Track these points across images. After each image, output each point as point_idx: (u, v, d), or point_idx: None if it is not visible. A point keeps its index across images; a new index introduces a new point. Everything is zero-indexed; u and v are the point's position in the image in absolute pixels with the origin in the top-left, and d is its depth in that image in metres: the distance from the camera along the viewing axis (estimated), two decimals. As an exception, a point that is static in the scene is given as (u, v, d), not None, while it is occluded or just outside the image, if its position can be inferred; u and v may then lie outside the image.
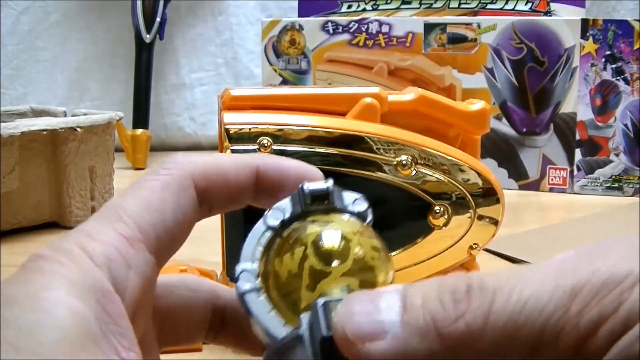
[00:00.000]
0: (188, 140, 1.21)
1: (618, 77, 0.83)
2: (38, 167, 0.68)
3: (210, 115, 1.21)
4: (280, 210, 0.24)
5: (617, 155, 0.84)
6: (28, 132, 0.64)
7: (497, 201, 0.44)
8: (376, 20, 0.91)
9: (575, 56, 0.84)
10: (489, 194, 0.44)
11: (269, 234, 0.24)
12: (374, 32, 0.91)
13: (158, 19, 1.06)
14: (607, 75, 0.84)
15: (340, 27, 0.93)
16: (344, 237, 0.23)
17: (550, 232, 0.68)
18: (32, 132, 0.64)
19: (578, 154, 0.86)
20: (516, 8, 0.93)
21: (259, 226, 0.24)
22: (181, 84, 1.21)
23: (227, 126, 0.40)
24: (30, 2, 1.16)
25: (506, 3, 0.93)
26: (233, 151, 0.40)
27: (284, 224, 0.24)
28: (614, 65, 0.83)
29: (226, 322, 0.25)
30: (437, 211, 0.43)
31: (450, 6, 0.95)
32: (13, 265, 0.59)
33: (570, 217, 0.77)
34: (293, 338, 0.21)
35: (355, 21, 0.92)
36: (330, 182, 0.24)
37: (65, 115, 0.77)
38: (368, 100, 0.43)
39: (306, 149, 0.41)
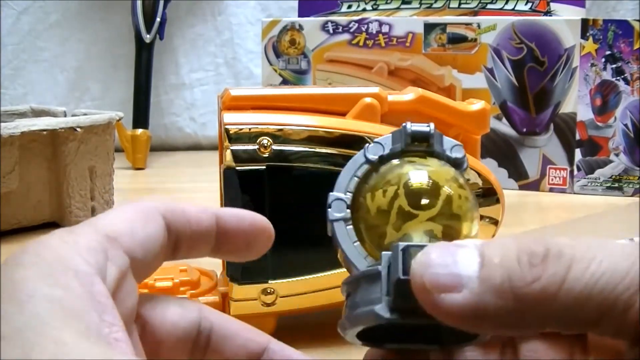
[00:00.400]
0: (188, 140, 1.21)
1: (618, 77, 0.83)
2: (38, 167, 0.68)
3: (210, 115, 1.21)
4: (381, 144, 0.25)
5: (617, 155, 0.84)
6: (28, 132, 0.64)
7: (497, 201, 0.44)
8: (376, 20, 0.91)
9: (575, 56, 0.84)
10: (489, 194, 0.44)
11: (366, 166, 0.25)
12: (374, 32, 0.91)
13: (158, 19, 1.06)
14: (607, 75, 0.84)
15: (340, 27, 0.93)
16: (435, 183, 0.24)
17: (550, 232, 0.68)
18: (32, 132, 0.64)
19: (578, 154, 0.86)
20: (516, 8, 0.93)
21: (358, 157, 0.26)
22: (181, 84, 1.21)
23: (227, 126, 0.40)
24: (30, 2, 1.16)
25: (506, 3, 0.93)
26: (233, 151, 0.40)
27: (382, 159, 0.25)
28: (614, 65, 0.83)
29: (211, 342, 0.25)
30: None
31: (450, 6, 0.95)
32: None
33: (570, 217, 0.77)
34: (372, 273, 0.22)
35: (355, 21, 0.92)
36: (432, 126, 0.25)
37: (65, 115, 0.77)
38: (368, 100, 0.43)
39: (306, 149, 0.41)
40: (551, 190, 0.87)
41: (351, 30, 0.92)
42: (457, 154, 0.26)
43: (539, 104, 0.87)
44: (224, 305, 0.43)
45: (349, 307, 0.23)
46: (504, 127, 0.88)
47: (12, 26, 1.16)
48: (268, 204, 0.40)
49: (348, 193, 0.25)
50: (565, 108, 0.86)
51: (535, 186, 0.88)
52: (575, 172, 0.86)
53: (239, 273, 0.41)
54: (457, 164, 0.26)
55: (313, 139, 0.41)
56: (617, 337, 0.19)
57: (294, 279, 0.41)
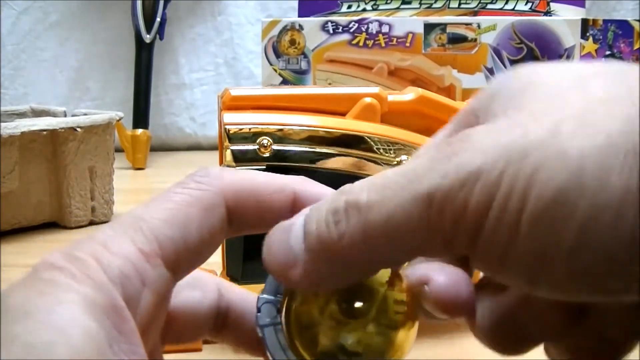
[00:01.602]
0: (188, 140, 1.21)
1: (618, 77, 0.83)
2: (38, 167, 0.68)
3: (210, 115, 1.21)
4: None
5: (617, 155, 0.84)
6: (28, 132, 0.64)
7: None
8: (376, 20, 0.91)
9: (575, 56, 0.84)
10: None
11: None
12: (374, 32, 0.91)
13: (158, 19, 1.06)
14: (607, 75, 0.84)
15: (340, 27, 0.93)
16: (370, 288, 0.23)
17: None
18: (32, 132, 0.64)
19: (578, 154, 0.85)
20: (516, 8, 0.93)
21: None
22: (181, 84, 1.21)
23: (227, 126, 0.40)
24: (30, 2, 1.16)
25: (506, 3, 0.93)
26: (233, 151, 0.40)
27: None
28: (614, 65, 0.83)
29: (228, 319, 0.25)
30: None
31: (450, 6, 0.95)
32: (13, 265, 0.59)
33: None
34: None
35: (355, 21, 0.92)
36: None
37: (65, 115, 0.77)
38: (368, 100, 0.43)
39: (306, 149, 0.41)
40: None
41: (351, 30, 0.92)
42: None
43: (539, 104, 0.87)
44: None
45: None
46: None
47: (12, 26, 1.16)
48: None
49: (279, 295, 0.23)
50: (565, 108, 0.85)
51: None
52: (575, 172, 0.86)
53: (239, 273, 0.41)
54: None
55: (313, 138, 0.41)
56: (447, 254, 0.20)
57: None
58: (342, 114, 0.43)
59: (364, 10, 0.98)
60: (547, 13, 0.92)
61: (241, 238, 0.40)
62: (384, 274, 0.23)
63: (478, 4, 0.94)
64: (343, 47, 0.93)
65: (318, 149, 0.41)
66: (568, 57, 0.84)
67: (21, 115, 0.80)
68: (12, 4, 1.16)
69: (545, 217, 0.17)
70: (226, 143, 0.40)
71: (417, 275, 0.22)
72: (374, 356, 0.22)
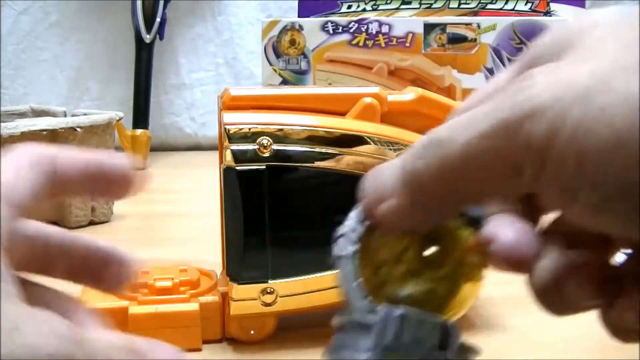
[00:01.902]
0: (188, 140, 1.21)
1: (618, 77, 0.84)
2: (38, 167, 0.68)
3: (210, 115, 1.21)
4: None
5: (617, 155, 0.84)
6: (28, 132, 0.64)
7: None
8: (376, 21, 0.91)
9: (575, 56, 0.84)
10: None
11: None
12: (374, 32, 0.91)
13: (158, 19, 1.06)
14: (607, 75, 0.84)
15: (340, 27, 0.93)
16: (448, 245, 0.24)
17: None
18: (32, 132, 0.64)
19: (578, 154, 0.86)
20: (516, 8, 0.93)
21: None
22: (181, 84, 1.21)
23: (226, 126, 0.40)
24: (30, 2, 1.16)
25: (506, 3, 0.93)
26: (233, 151, 0.40)
27: None
28: (613, 66, 0.83)
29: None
30: None
31: (450, 6, 0.95)
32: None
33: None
34: (366, 323, 0.22)
35: (355, 21, 0.92)
36: None
37: (65, 115, 0.77)
38: (368, 100, 0.43)
39: (306, 149, 0.41)
40: (551, 190, 0.87)
41: (351, 30, 0.92)
42: (477, 212, 0.25)
43: (539, 104, 0.87)
44: (223, 305, 0.43)
45: (336, 344, 0.23)
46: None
47: (12, 26, 1.16)
48: (268, 204, 0.40)
49: (359, 227, 0.24)
50: (565, 108, 0.86)
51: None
52: (575, 172, 0.86)
53: (239, 273, 0.41)
54: (475, 221, 0.25)
55: (313, 138, 0.41)
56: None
57: (293, 278, 0.41)
58: (342, 114, 0.43)
59: (364, 10, 0.98)
60: (547, 13, 0.92)
61: (241, 238, 0.40)
62: (466, 234, 0.24)
63: (478, 4, 0.94)
64: (343, 47, 0.93)
65: (318, 149, 0.41)
66: (568, 57, 0.85)
67: (21, 115, 0.80)
68: (12, 4, 1.16)
69: (607, 150, 0.18)
70: (226, 143, 0.40)
71: (487, 232, 0.23)
72: (436, 308, 0.23)
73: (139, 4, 1.05)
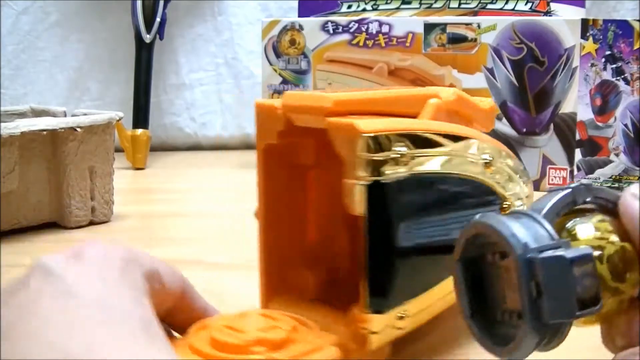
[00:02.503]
0: (188, 140, 1.21)
1: (618, 77, 0.83)
2: (38, 167, 0.68)
3: (210, 115, 1.21)
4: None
5: (617, 155, 0.84)
6: (28, 132, 0.64)
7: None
8: (376, 20, 0.91)
9: (575, 56, 0.84)
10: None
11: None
12: (374, 32, 0.91)
13: (158, 19, 1.06)
14: (607, 75, 0.84)
15: (340, 27, 0.93)
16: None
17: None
18: (32, 132, 0.64)
19: (578, 154, 0.86)
20: (516, 8, 0.93)
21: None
22: (181, 84, 1.21)
23: (365, 134, 0.34)
24: (30, 2, 1.16)
25: (506, 3, 0.93)
26: (375, 162, 0.34)
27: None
28: (614, 65, 0.83)
29: None
30: (505, 206, 0.42)
31: (450, 6, 0.95)
32: (13, 265, 0.59)
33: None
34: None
35: (355, 21, 0.92)
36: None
37: (65, 115, 0.77)
38: (435, 100, 0.41)
39: (436, 155, 0.38)
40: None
41: (351, 30, 0.92)
42: None
43: (539, 104, 0.87)
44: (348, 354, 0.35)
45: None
46: (504, 127, 0.88)
47: (12, 26, 1.16)
48: (411, 218, 0.37)
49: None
50: (565, 108, 0.86)
51: (535, 186, 0.88)
52: (575, 172, 0.86)
53: (384, 301, 0.36)
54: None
55: (425, 141, 0.37)
56: None
57: (421, 295, 0.38)
58: (412, 116, 0.40)
59: (364, 10, 0.98)
60: (547, 13, 0.92)
61: (391, 260, 0.36)
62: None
63: (478, 4, 0.94)
64: (343, 47, 0.93)
65: (430, 152, 0.37)
66: (568, 57, 0.85)
67: (21, 115, 0.80)
68: (12, 4, 1.16)
69: None
70: (365, 153, 0.34)
71: None
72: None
73: (139, 4, 1.05)
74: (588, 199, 0.29)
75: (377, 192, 0.34)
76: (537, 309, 0.25)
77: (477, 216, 0.27)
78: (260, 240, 0.40)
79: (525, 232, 0.25)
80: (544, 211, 0.27)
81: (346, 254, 0.41)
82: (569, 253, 0.25)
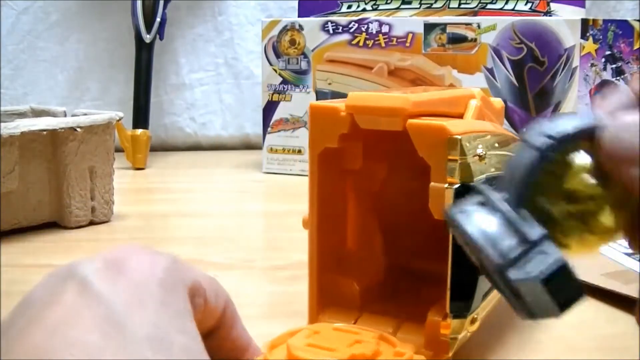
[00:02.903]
0: (188, 140, 1.21)
1: (618, 77, 0.83)
2: (38, 167, 0.68)
3: (210, 115, 1.21)
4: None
5: (617, 155, 0.84)
6: (28, 132, 0.64)
7: None
8: (376, 20, 0.91)
9: (575, 56, 0.84)
10: None
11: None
12: (374, 32, 0.91)
13: (158, 19, 1.06)
14: (607, 75, 0.84)
15: (340, 27, 0.93)
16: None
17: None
18: (32, 132, 0.64)
19: (578, 154, 0.85)
20: (516, 8, 0.93)
21: None
22: (181, 84, 1.21)
23: (455, 136, 0.34)
24: (30, 2, 1.16)
25: (506, 3, 0.93)
26: (462, 164, 0.34)
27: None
28: (614, 65, 0.83)
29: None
30: None
31: (450, 6, 0.95)
32: (13, 265, 0.59)
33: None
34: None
35: (355, 21, 0.92)
36: None
37: (65, 115, 0.77)
38: (476, 102, 0.41)
39: (497, 154, 0.37)
40: (551, 190, 0.87)
41: (351, 30, 0.92)
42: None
43: (539, 104, 0.87)
44: None
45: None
46: (504, 127, 0.88)
47: (12, 26, 1.16)
48: None
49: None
50: (565, 108, 0.86)
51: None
52: (575, 172, 0.86)
53: (462, 306, 0.35)
54: None
55: (502, 144, 0.38)
56: None
57: (488, 297, 0.37)
58: (459, 117, 0.40)
59: (364, 10, 0.98)
60: (547, 13, 0.92)
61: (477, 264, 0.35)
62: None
63: (478, 4, 0.94)
64: (343, 47, 0.93)
65: (502, 153, 0.37)
66: (568, 57, 0.85)
67: (21, 115, 0.80)
68: (12, 4, 1.16)
69: None
70: (458, 156, 0.34)
71: None
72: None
73: (139, 4, 1.05)
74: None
75: (465, 195, 0.33)
76: (522, 304, 0.25)
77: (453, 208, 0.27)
78: (311, 250, 0.39)
79: (496, 240, 0.25)
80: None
81: (383, 262, 0.41)
82: (540, 268, 0.24)
